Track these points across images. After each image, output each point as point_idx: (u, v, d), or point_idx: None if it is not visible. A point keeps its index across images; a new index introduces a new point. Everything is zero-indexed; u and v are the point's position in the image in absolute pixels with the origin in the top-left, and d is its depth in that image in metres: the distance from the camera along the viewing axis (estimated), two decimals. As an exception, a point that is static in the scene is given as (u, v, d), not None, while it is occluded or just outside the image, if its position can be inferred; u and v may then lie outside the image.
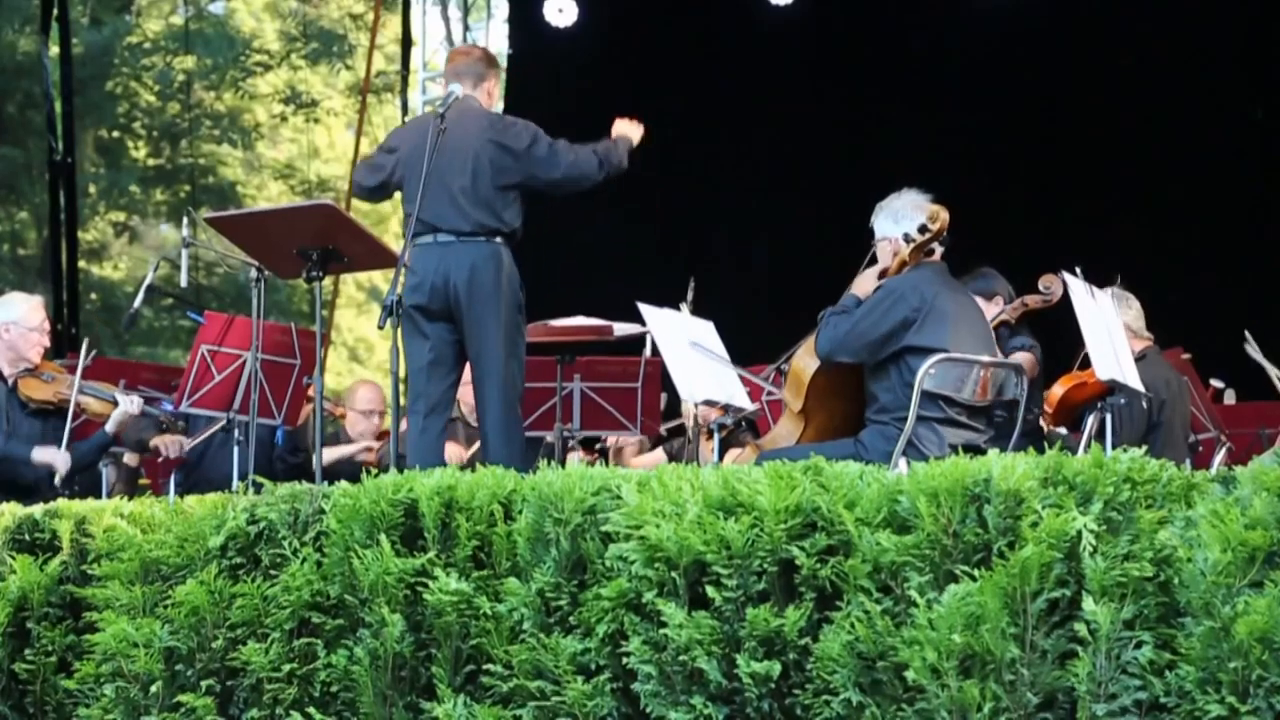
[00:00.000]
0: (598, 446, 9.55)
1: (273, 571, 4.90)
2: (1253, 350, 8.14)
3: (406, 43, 15.37)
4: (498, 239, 6.86)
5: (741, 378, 7.10)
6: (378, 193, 7.17)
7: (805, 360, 6.54)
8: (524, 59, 13.89)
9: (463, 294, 6.77)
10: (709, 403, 6.97)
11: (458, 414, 8.55)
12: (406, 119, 15.07)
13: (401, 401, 6.83)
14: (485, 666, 4.48)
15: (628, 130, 7.25)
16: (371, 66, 15.78)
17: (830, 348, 6.31)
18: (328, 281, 7.74)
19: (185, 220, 8.11)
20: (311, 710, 4.71)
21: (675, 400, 8.88)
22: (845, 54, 12.86)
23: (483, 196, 6.83)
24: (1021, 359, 7.03)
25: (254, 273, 7.38)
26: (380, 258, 6.75)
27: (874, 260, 6.65)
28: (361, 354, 22.60)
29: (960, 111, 12.31)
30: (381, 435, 9.26)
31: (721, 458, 7.50)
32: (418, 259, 6.74)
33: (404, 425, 6.86)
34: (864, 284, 6.50)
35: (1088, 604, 3.60)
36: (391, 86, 17.97)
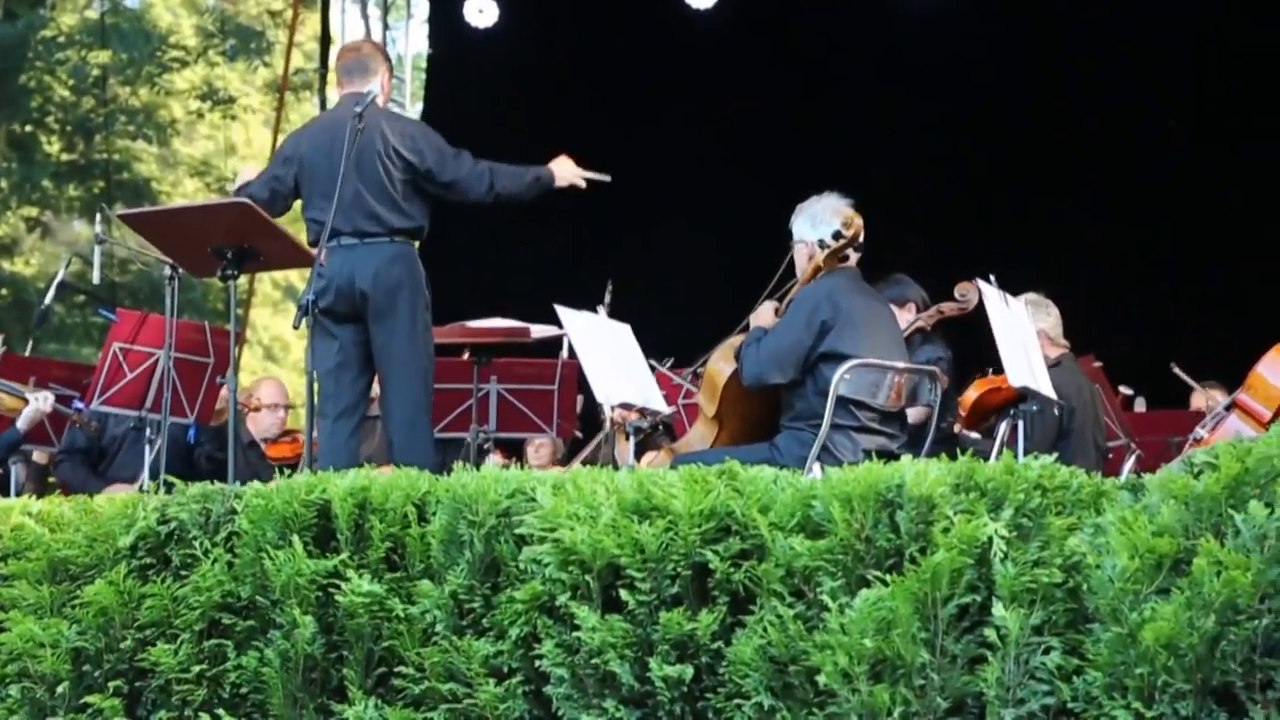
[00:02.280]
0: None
1: (183, 572, 4.86)
2: (1180, 374, 8.24)
3: (325, 41, 15.28)
4: (401, 239, 6.85)
5: (660, 374, 7.11)
6: (271, 207, 6.91)
7: (720, 365, 6.56)
8: (444, 59, 13.86)
9: (369, 295, 6.75)
10: (625, 405, 6.97)
11: (377, 412, 8.53)
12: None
13: (316, 401, 6.80)
14: (397, 668, 4.46)
15: (566, 171, 7.22)
16: (290, 64, 15.68)
17: (757, 372, 6.32)
18: (243, 280, 7.67)
19: (99, 216, 8.04)
20: (221, 712, 4.67)
21: (592, 403, 8.88)
22: (765, 57, 12.89)
23: (385, 197, 6.81)
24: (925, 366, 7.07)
25: (168, 270, 7.32)
26: (296, 256, 6.71)
27: (791, 264, 6.68)
28: (277, 353, 22.47)
29: (879, 116, 12.37)
30: (289, 431, 9.26)
31: (638, 461, 7.50)
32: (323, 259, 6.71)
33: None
34: (764, 316, 6.54)
35: (997, 610, 3.62)
36: (310, 84, 17.88)
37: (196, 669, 4.74)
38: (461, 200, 7.02)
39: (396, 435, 6.81)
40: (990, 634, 3.64)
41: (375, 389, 7.30)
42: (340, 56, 7.35)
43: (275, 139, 15.45)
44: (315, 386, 6.76)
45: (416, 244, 6.96)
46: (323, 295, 6.65)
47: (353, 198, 6.70)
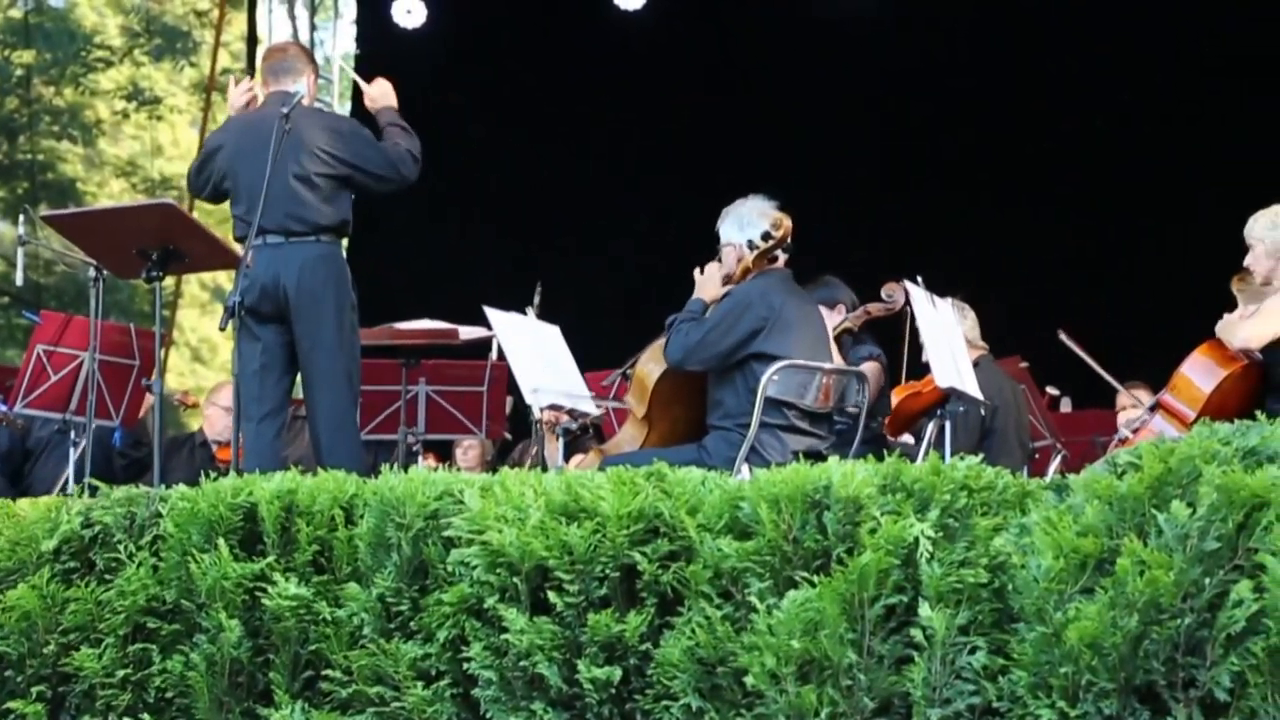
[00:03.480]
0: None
1: (107, 576, 4.81)
2: (1069, 343, 8.26)
3: (252, 41, 15.20)
4: (327, 238, 6.82)
5: (590, 375, 7.12)
6: (211, 198, 7.10)
7: (650, 366, 6.57)
8: (372, 60, 13.76)
9: (293, 295, 6.70)
10: (554, 407, 6.96)
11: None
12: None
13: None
14: (324, 672, 4.43)
15: (382, 95, 7.23)
16: (216, 64, 15.58)
17: (681, 355, 6.34)
18: (170, 281, 7.65)
19: (22, 218, 7.95)
20: (145, 716, 4.64)
21: (521, 404, 8.87)
22: (693, 58, 12.92)
23: (310, 195, 6.76)
24: (867, 368, 7.12)
25: (93, 272, 7.26)
26: (222, 258, 6.67)
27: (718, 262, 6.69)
28: (205, 355, 22.30)
29: (807, 117, 12.42)
30: None
31: (567, 462, 7.50)
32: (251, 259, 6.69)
33: None
34: (708, 287, 6.54)
35: (924, 610, 3.64)
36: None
37: (121, 673, 4.70)
38: (397, 188, 6.98)
39: (323, 438, 6.76)
40: (917, 634, 3.66)
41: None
42: (267, 57, 7.31)
43: (201, 139, 15.36)
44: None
45: (344, 241, 6.93)
46: (247, 295, 6.61)
47: (278, 196, 6.65)
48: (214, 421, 9.13)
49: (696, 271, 6.60)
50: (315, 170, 6.75)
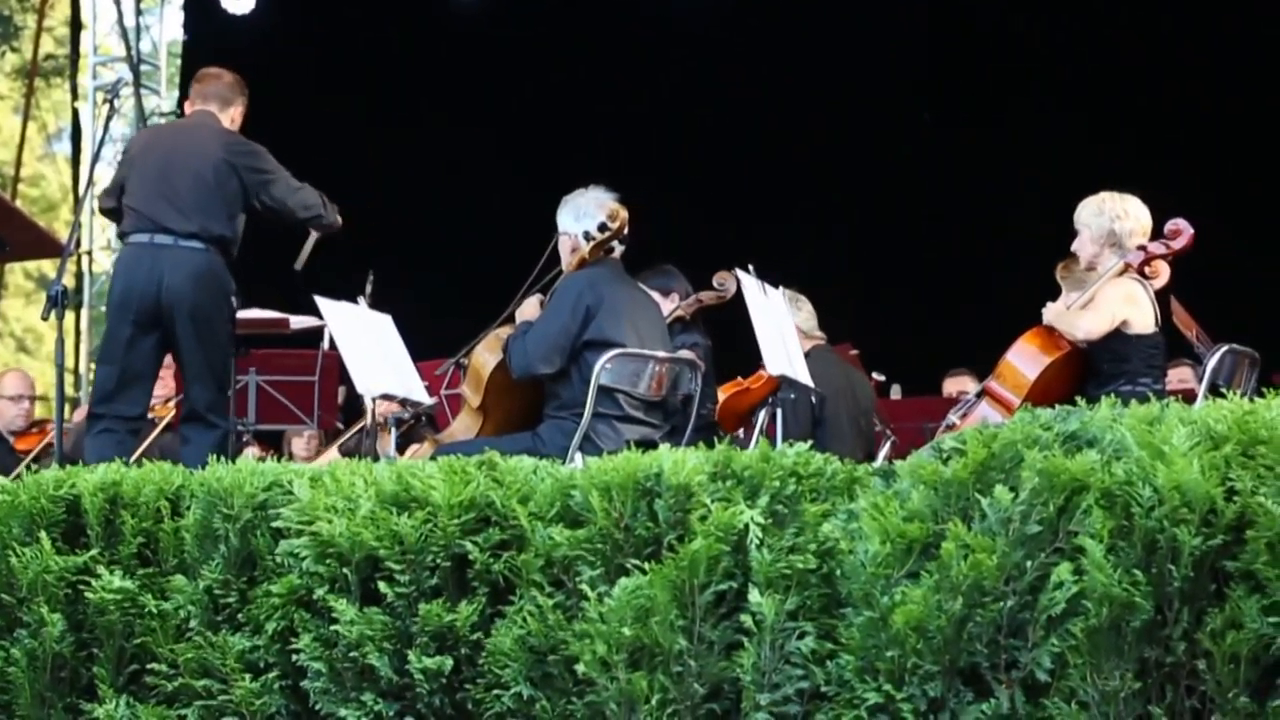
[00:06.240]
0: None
1: (-75, 570, 4.71)
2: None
3: (76, 26, 14.94)
4: (214, 248, 6.81)
5: (423, 365, 7.10)
6: (117, 214, 7.05)
7: (485, 355, 6.55)
8: (199, 46, 13.60)
9: (174, 298, 6.69)
10: (387, 396, 6.92)
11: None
12: (76, 103, 14.73)
13: (69, 393, 6.65)
14: (150, 666, 4.37)
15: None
16: (39, 49, 15.27)
17: (525, 364, 6.33)
18: (-9, 270, 7.49)
19: None
20: (-35, 714, 4.54)
21: (354, 394, 8.80)
22: (528, 48, 12.89)
23: (207, 204, 6.80)
24: (683, 355, 7.14)
25: (-91, 261, 7.11)
26: (45, 247, 6.59)
27: (554, 255, 6.69)
28: (30, 345, 21.89)
29: (646, 109, 12.45)
30: (37, 422, 9.05)
31: (402, 453, 7.46)
32: (131, 258, 6.76)
33: (79, 416, 6.70)
34: (529, 309, 6.56)
35: (753, 596, 3.66)
36: (61, 70, 17.43)
37: (-60, 670, 4.59)
38: (294, 217, 7.09)
39: (190, 435, 6.81)
40: (747, 620, 3.68)
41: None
42: (201, 79, 7.33)
43: (25, 126, 15.08)
44: (69, 379, 6.61)
45: (233, 250, 6.91)
46: (122, 292, 6.61)
47: (176, 198, 6.68)
48: (2, 413, 8.96)
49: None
50: (216, 184, 6.84)
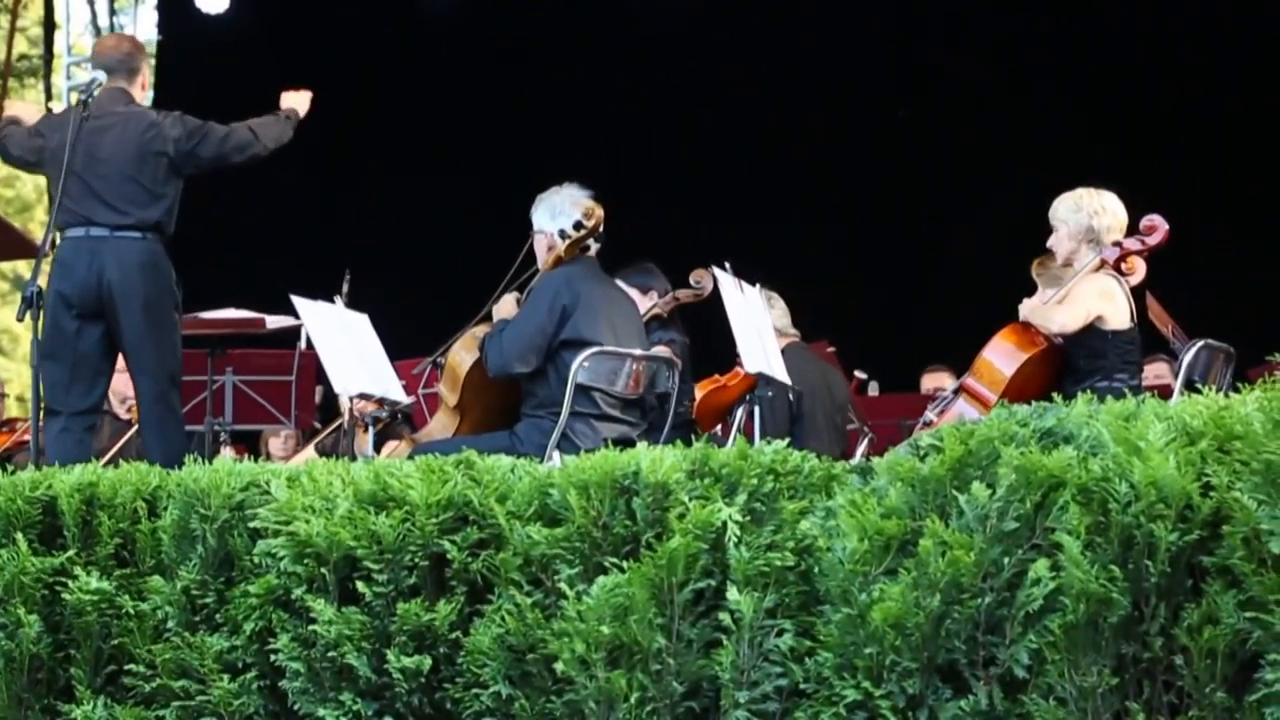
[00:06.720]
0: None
1: (-100, 573, 4.69)
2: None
3: (50, 26, 14.87)
4: (152, 235, 6.72)
5: (400, 364, 7.09)
6: (19, 165, 7.08)
7: (462, 355, 6.55)
8: (173, 46, 13.56)
9: (116, 290, 6.61)
10: (364, 396, 6.92)
11: (106, 407, 8.35)
12: (51, 105, 14.64)
13: (43, 393, 6.61)
14: (127, 667, 4.37)
15: (295, 102, 7.25)
16: (13, 49, 15.20)
17: (502, 362, 6.32)
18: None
19: None
20: (-58, 717, 4.53)
21: (331, 394, 8.79)
22: (503, 46, 12.87)
23: (134, 194, 6.69)
24: (659, 351, 7.14)
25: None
26: (19, 248, 6.56)
27: (530, 254, 6.69)
28: (5, 345, 21.82)
29: (622, 105, 12.44)
30: (6, 421, 9.03)
31: (379, 451, 7.45)
32: (69, 252, 6.65)
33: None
34: (505, 307, 6.55)
35: (732, 594, 3.67)
36: (35, 71, 17.37)
37: (-84, 672, 4.58)
38: (240, 159, 6.95)
39: (146, 433, 6.74)
40: (725, 618, 3.68)
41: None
42: (99, 49, 7.25)
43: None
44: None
45: (170, 230, 6.84)
46: (65, 288, 6.53)
47: (105, 188, 6.61)
48: None
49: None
50: (142, 167, 6.73)
